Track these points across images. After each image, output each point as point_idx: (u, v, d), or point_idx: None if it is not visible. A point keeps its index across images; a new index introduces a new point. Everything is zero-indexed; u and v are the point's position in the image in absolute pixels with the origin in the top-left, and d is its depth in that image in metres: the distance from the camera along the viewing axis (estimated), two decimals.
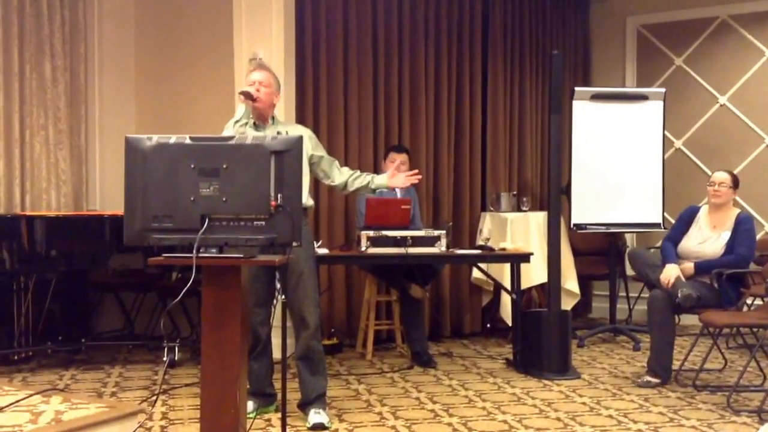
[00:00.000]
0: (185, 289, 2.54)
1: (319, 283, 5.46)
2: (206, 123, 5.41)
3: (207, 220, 2.54)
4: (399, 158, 5.16)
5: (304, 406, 3.75)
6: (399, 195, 5.20)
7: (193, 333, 5.15)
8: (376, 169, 5.54)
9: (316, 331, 3.72)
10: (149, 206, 2.54)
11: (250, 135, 3.50)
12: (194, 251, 2.51)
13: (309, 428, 3.62)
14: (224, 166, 2.55)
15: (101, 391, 4.23)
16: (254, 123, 3.68)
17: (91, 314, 5.56)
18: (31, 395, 2.90)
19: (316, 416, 3.65)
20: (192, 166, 2.54)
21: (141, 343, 5.33)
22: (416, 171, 4.07)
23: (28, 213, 5.01)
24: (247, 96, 3.62)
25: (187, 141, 2.61)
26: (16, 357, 4.83)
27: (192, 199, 2.54)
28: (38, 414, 2.69)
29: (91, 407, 2.81)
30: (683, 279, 4.38)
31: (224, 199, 2.55)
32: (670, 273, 4.37)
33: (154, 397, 4.04)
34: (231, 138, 2.68)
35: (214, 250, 2.60)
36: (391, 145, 5.48)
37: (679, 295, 4.26)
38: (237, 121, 3.60)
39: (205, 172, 2.55)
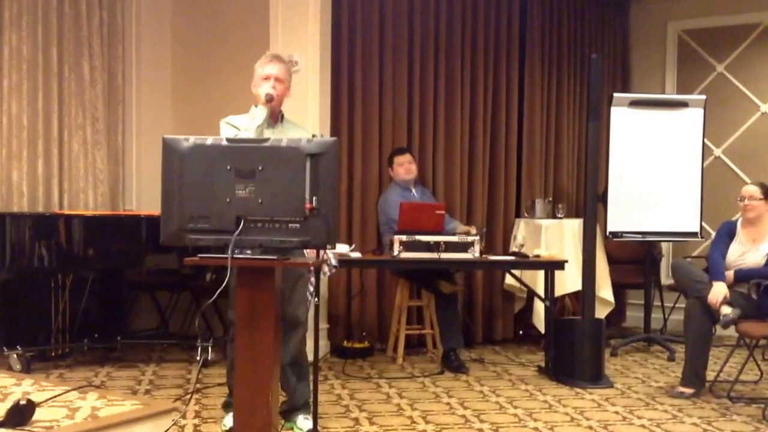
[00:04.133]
0: (219, 289, 2.56)
1: (351, 287, 5.50)
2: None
3: (242, 221, 2.56)
4: (405, 159, 5.24)
5: (291, 412, 3.63)
6: (417, 196, 5.23)
7: (227, 333, 5.18)
8: None
9: (305, 337, 3.65)
10: (186, 207, 2.56)
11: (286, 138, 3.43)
12: (229, 252, 2.52)
13: None
14: (260, 168, 2.56)
15: (136, 389, 4.28)
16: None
17: (126, 313, 5.64)
18: (68, 391, 2.94)
19: (306, 422, 3.56)
20: (228, 167, 2.56)
21: (175, 342, 5.38)
22: None
23: (66, 212, 5.10)
24: (270, 99, 3.45)
25: (224, 142, 2.63)
26: (53, 353, 4.92)
27: (228, 200, 2.55)
28: (75, 410, 2.73)
29: (126, 404, 2.84)
30: (728, 297, 4.30)
31: (260, 200, 2.56)
32: (719, 293, 4.27)
33: (188, 396, 4.08)
34: (267, 140, 2.69)
35: (248, 252, 2.62)
36: (393, 150, 5.42)
37: (721, 319, 4.22)
38: (259, 126, 3.39)
39: (241, 174, 2.56)
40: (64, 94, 5.37)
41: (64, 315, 5.02)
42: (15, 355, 4.49)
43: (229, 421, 3.55)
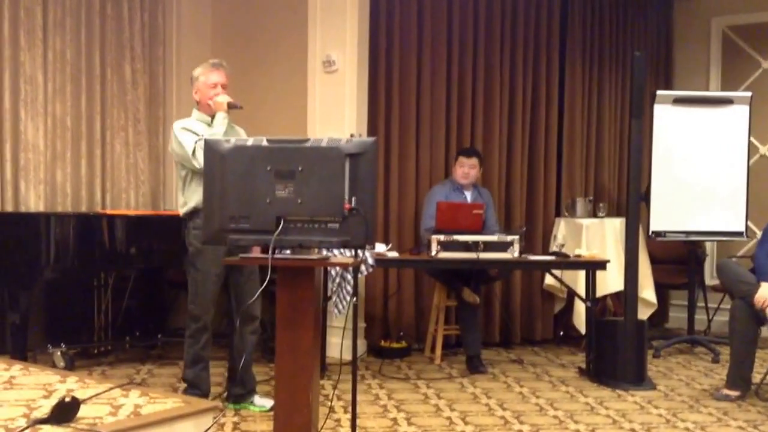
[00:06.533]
0: (261, 288, 2.58)
1: (388, 286, 5.50)
2: (281, 124, 5.49)
3: (282, 221, 2.56)
4: (468, 162, 5.13)
5: (248, 395, 3.91)
6: (469, 198, 5.16)
7: (265, 332, 5.21)
8: (447, 171, 5.52)
9: (258, 327, 3.96)
10: (227, 207, 2.58)
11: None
12: (270, 252, 2.53)
13: (268, 410, 3.77)
14: (300, 169, 2.56)
15: (176, 386, 4.32)
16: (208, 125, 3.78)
17: (166, 311, 5.70)
18: (111, 388, 2.97)
19: (263, 400, 3.92)
20: (268, 168, 2.56)
21: (214, 340, 5.41)
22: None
23: (108, 212, 5.17)
24: (233, 107, 3.75)
25: (264, 143, 2.64)
26: (95, 351, 5.00)
27: (268, 200, 2.56)
28: (118, 407, 2.76)
29: (168, 402, 2.86)
30: None
31: (299, 201, 2.56)
32: (766, 293, 4.18)
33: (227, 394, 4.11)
34: (306, 140, 2.69)
35: (288, 251, 2.62)
36: (461, 148, 5.43)
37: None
38: (225, 134, 3.67)
39: (281, 174, 2.57)
40: (106, 96, 5.45)
41: (107, 313, 5.11)
42: (59, 353, 4.57)
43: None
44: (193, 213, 3.73)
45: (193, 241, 3.76)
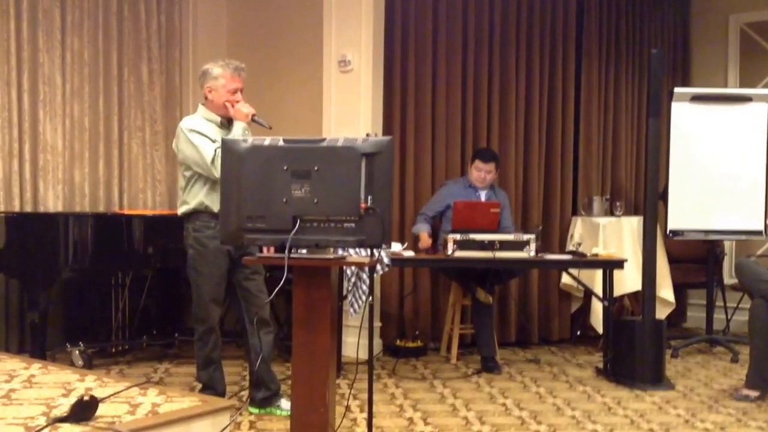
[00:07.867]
0: (276, 289, 2.58)
1: (404, 285, 5.49)
2: (297, 124, 5.50)
3: (298, 221, 2.56)
4: (485, 168, 5.07)
5: (274, 397, 3.84)
6: (483, 198, 5.14)
7: (281, 331, 5.22)
8: (463, 170, 5.50)
9: (272, 327, 3.90)
10: (244, 207, 2.58)
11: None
12: (286, 252, 2.53)
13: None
14: (316, 168, 2.56)
15: (193, 385, 4.34)
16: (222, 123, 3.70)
17: (183, 310, 5.72)
18: (129, 387, 2.99)
19: (288, 403, 3.76)
20: (285, 167, 2.57)
21: (230, 340, 5.44)
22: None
23: (125, 212, 5.21)
24: (254, 118, 3.65)
25: (281, 143, 2.64)
26: (113, 349, 5.04)
27: (284, 200, 2.56)
28: (136, 406, 2.77)
29: (185, 401, 2.87)
30: None
31: (315, 200, 2.56)
32: None
33: (244, 393, 4.12)
34: (322, 140, 2.69)
35: (304, 251, 2.63)
36: (478, 149, 5.39)
37: None
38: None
39: (297, 174, 2.57)
40: (123, 97, 5.49)
41: (124, 312, 5.15)
42: (77, 352, 4.61)
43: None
44: (192, 214, 3.68)
45: (194, 243, 3.70)
